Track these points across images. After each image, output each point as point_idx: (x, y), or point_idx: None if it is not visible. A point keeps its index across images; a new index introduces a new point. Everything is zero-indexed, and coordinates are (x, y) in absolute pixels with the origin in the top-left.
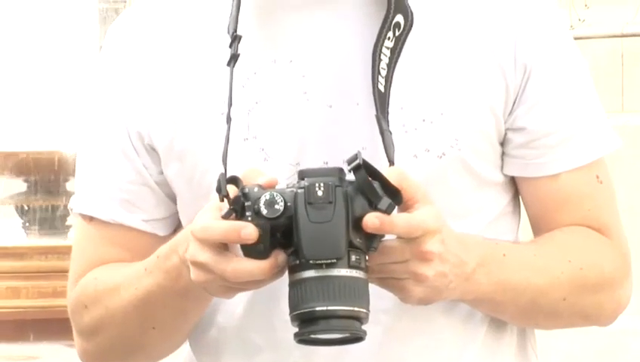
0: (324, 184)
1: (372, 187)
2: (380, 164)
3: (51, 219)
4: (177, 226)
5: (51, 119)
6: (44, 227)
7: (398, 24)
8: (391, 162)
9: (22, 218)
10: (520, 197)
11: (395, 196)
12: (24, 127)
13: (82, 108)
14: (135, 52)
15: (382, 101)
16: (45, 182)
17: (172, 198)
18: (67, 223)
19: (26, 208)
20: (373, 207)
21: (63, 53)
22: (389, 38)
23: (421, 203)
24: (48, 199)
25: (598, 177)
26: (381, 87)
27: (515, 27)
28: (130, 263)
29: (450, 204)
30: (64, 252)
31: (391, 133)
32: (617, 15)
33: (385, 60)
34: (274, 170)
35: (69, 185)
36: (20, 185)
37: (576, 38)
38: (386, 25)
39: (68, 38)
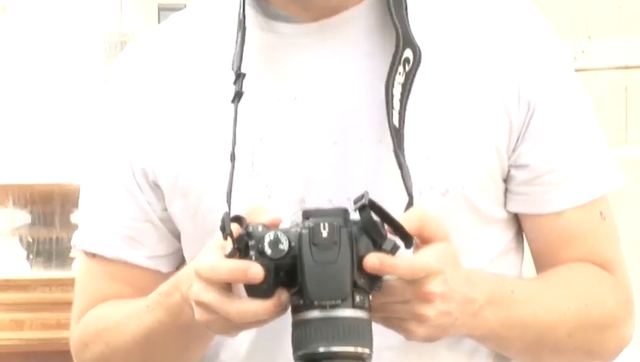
0: (328, 225)
1: (377, 227)
2: (386, 201)
3: (55, 251)
4: (181, 263)
5: (56, 151)
6: (48, 259)
7: (407, 59)
8: (410, 196)
9: (26, 250)
10: (523, 233)
11: (406, 237)
12: (28, 159)
13: (87, 140)
14: (139, 88)
15: (398, 136)
16: (49, 214)
17: (175, 235)
18: (71, 255)
19: (30, 240)
20: (378, 247)
21: (68, 85)
22: (399, 73)
23: (437, 242)
24: (52, 231)
25: (601, 214)
26: (396, 123)
27: (519, 64)
28: (132, 300)
29: (454, 242)
30: (68, 284)
31: (408, 167)
32: (621, 47)
33: (397, 96)
34: (278, 206)
35: (74, 217)
36: (24, 216)
37: (579, 70)
38: (396, 60)
39: (73, 69)
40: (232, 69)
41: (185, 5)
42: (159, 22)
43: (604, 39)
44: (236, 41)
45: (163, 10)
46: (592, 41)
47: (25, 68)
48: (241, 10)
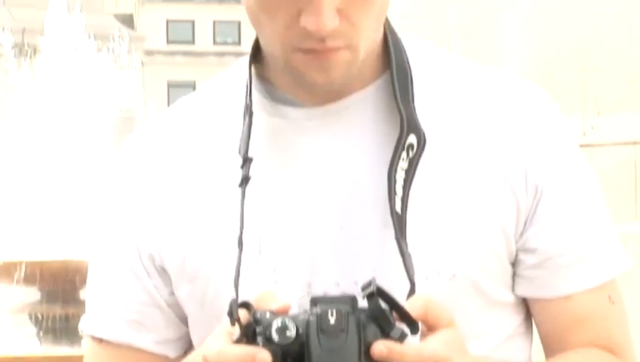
0: (336, 311)
1: (385, 315)
2: (391, 286)
3: (65, 328)
4: (188, 347)
5: (66, 228)
6: (57, 336)
7: (411, 145)
8: (412, 284)
9: (35, 326)
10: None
11: (412, 324)
12: (39, 236)
13: (96, 219)
14: (147, 172)
15: (400, 223)
16: (59, 291)
17: (183, 319)
18: (80, 333)
19: (40, 317)
20: (386, 334)
21: (79, 162)
22: (403, 158)
23: (444, 329)
24: (62, 308)
25: (610, 297)
26: (398, 209)
27: (526, 147)
28: None
29: (461, 326)
30: (78, 361)
31: (410, 254)
32: (630, 122)
33: (400, 182)
34: (285, 290)
35: (83, 294)
36: (33, 293)
37: (588, 146)
38: (399, 146)
39: (84, 146)
40: (239, 153)
41: (194, 82)
42: (169, 98)
43: (613, 115)
44: (243, 125)
45: (172, 86)
46: (601, 116)
47: (37, 144)
48: (248, 95)
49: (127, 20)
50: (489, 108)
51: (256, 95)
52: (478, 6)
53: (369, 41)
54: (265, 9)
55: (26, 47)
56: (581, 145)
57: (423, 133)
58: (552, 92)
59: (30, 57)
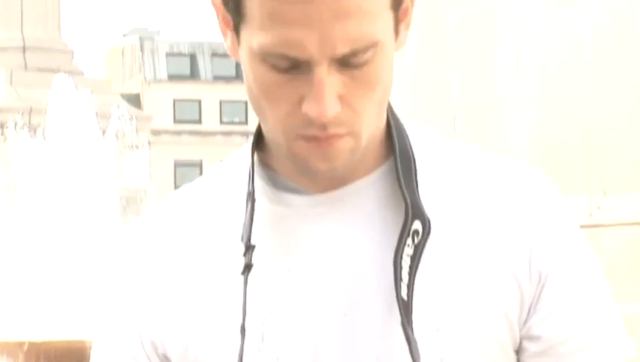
0: None
1: None
2: None
3: None
4: None
5: (70, 308)
6: None
7: (416, 231)
8: None
9: None
10: None
11: None
12: (43, 315)
13: (101, 299)
14: (151, 259)
15: (406, 309)
16: None
17: None
18: None
19: None
20: None
21: (85, 242)
22: (408, 245)
23: None
24: None
25: None
26: (404, 295)
27: (529, 235)
28: None
29: None
30: None
31: (416, 341)
32: (636, 202)
33: (405, 268)
34: None
35: None
36: None
37: (594, 226)
38: (405, 232)
39: (90, 226)
40: (242, 240)
41: (200, 161)
42: (175, 177)
43: (620, 195)
44: (245, 213)
45: (179, 165)
46: (607, 196)
47: (44, 225)
48: (251, 182)
49: (134, 100)
50: (492, 194)
51: (258, 182)
52: (484, 85)
53: (371, 127)
54: (267, 96)
55: (32, 126)
56: (587, 226)
57: (428, 220)
58: (558, 172)
59: (37, 137)
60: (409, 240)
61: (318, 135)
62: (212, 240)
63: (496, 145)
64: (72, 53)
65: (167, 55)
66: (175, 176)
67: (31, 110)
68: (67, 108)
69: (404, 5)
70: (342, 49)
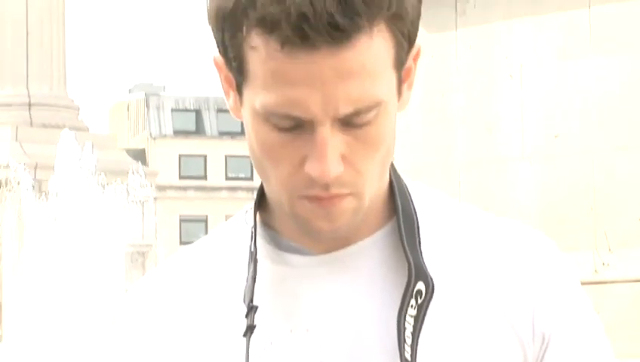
0: None
1: None
2: None
3: None
4: None
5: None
6: None
7: (420, 292)
8: None
9: None
10: None
11: None
12: None
13: (102, 357)
14: (152, 320)
15: None
16: None
17: None
18: None
19: None
20: None
21: (90, 297)
22: (411, 306)
23: None
24: None
25: None
26: (408, 356)
27: (532, 297)
28: None
29: None
30: None
31: None
32: None
33: (409, 329)
34: None
35: None
36: None
37: (599, 283)
38: (408, 293)
39: (95, 282)
40: (244, 301)
41: (206, 216)
42: (180, 232)
43: (625, 251)
44: (248, 273)
45: (184, 221)
46: (612, 253)
47: (50, 277)
48: (253, 243)
49: (140, 155)
50: (494, 255)
51: (261, 242)
52: (488, 140)
53: (374, 187)
54: (269, 155)
55: (37, 181)
56: (593, 282)
57: (432, 280)
58: (563, 228)
59: (43, 193)
60: (412, 301)
61: (320, 195)
62: (214, 302)
63: (500, 200)
64: (78, 109)
65: (173, 110)
66: (180, 231)
67: (36, 166)
68: (73, 164)
69: (407, 65)
70: (345, 109)
